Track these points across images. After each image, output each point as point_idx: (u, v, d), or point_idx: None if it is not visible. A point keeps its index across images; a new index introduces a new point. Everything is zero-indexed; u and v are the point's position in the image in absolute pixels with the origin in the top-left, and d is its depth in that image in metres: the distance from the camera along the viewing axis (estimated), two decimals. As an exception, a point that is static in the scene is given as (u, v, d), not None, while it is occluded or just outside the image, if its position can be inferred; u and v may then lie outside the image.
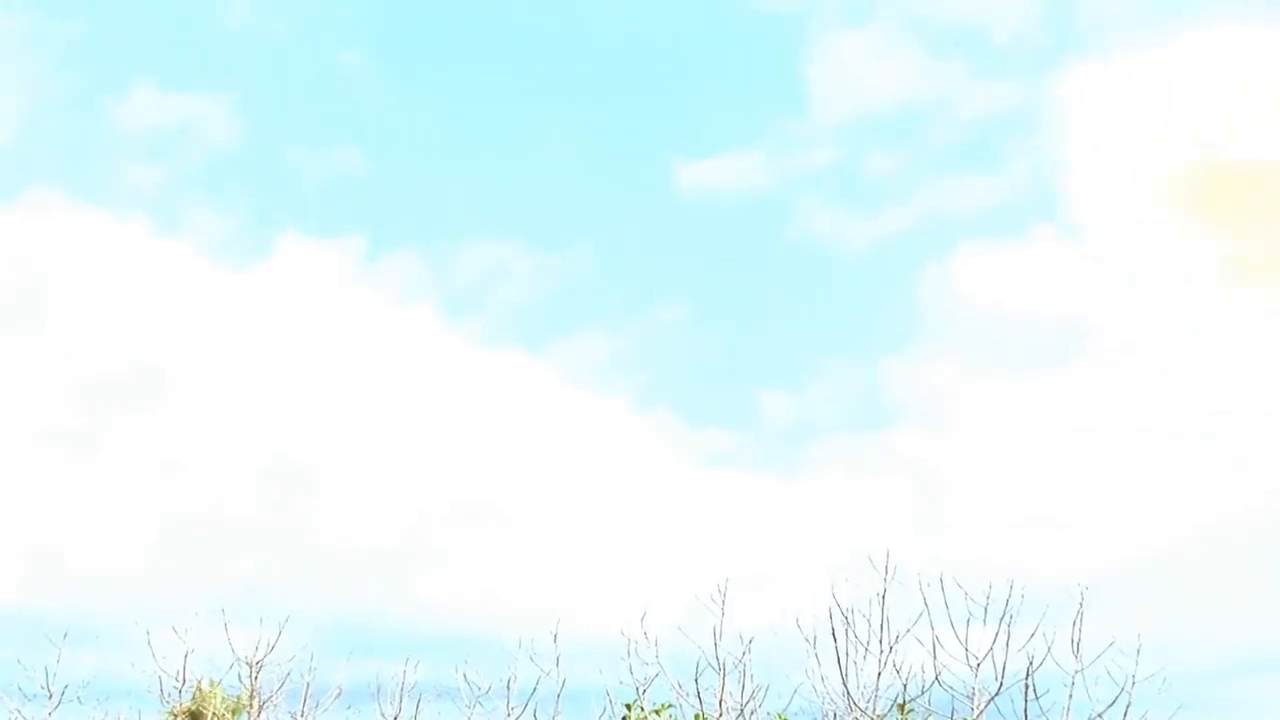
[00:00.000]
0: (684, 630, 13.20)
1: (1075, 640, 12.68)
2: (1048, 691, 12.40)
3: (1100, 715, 12.38)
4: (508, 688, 14.01)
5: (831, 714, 12.82)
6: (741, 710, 12.59)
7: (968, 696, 12.54)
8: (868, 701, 12.37)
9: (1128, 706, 12.58)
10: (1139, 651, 12.78)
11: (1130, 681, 12.66)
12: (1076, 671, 12.49)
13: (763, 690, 12.95)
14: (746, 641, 13.04)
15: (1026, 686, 12.21)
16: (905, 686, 12.17)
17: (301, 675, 15.12)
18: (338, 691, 15.11)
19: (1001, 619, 12.76)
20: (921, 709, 12.63)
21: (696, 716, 12.29)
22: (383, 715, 14.79)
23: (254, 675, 14.89)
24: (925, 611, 12.72)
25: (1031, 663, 12.36)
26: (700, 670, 12.79)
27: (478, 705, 14.22)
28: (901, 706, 12.21)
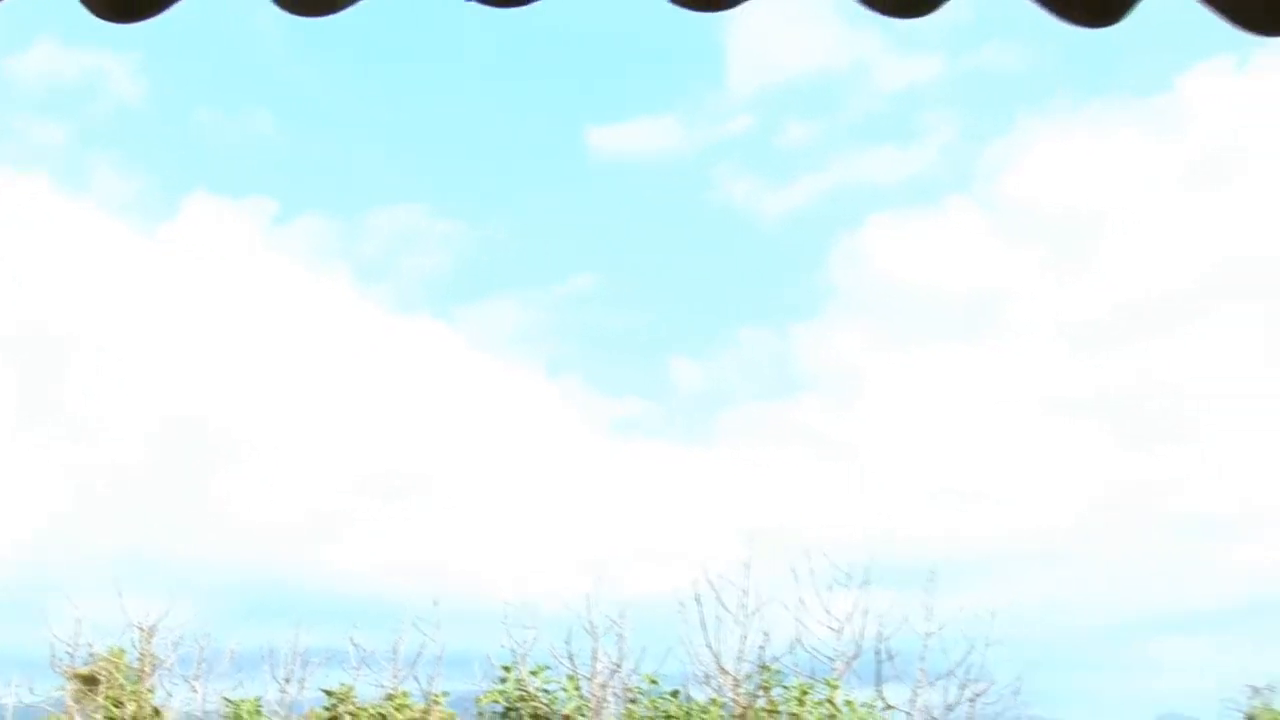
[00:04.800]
0: (565, 595, 13.72)
1: (928, 606, 13.45)
2: (898, 654, 13.14)
3: (950, 673, 13.14)
4: (394, 652, 14.43)
5: (702, 675, 13.43)
6: (614, 672, 13.17)
7: (830, 659, 13.26)
8: (734, 663, 13.01)
9: (974, 667, 13.38)
10: (992, 616, 13.59)
11: (982, 643, 13.44)
12: (928, 635, 13.24)
13: (635, 653, 13.50)
14: (623, 607, 13.64)
15: (877, 649, 12.94)
16: (763, 649, 12.78)
17: (196, 641, 15.46)
18: (230, 656, 15.45)
19: (861, 586, 13.55)
20: (787, 670, 13.25)
21: (569, 678, 12.86)
22: (274, 679, 15.16)
23: (146, 640, 15.19)
24: (796, 580, 13.45)
25: (884, 627, 13.12)
26: (577, 635, 13.39)
27: (364, 668, 14.58)
28: (765, 667, 12.84)
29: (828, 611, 13.34)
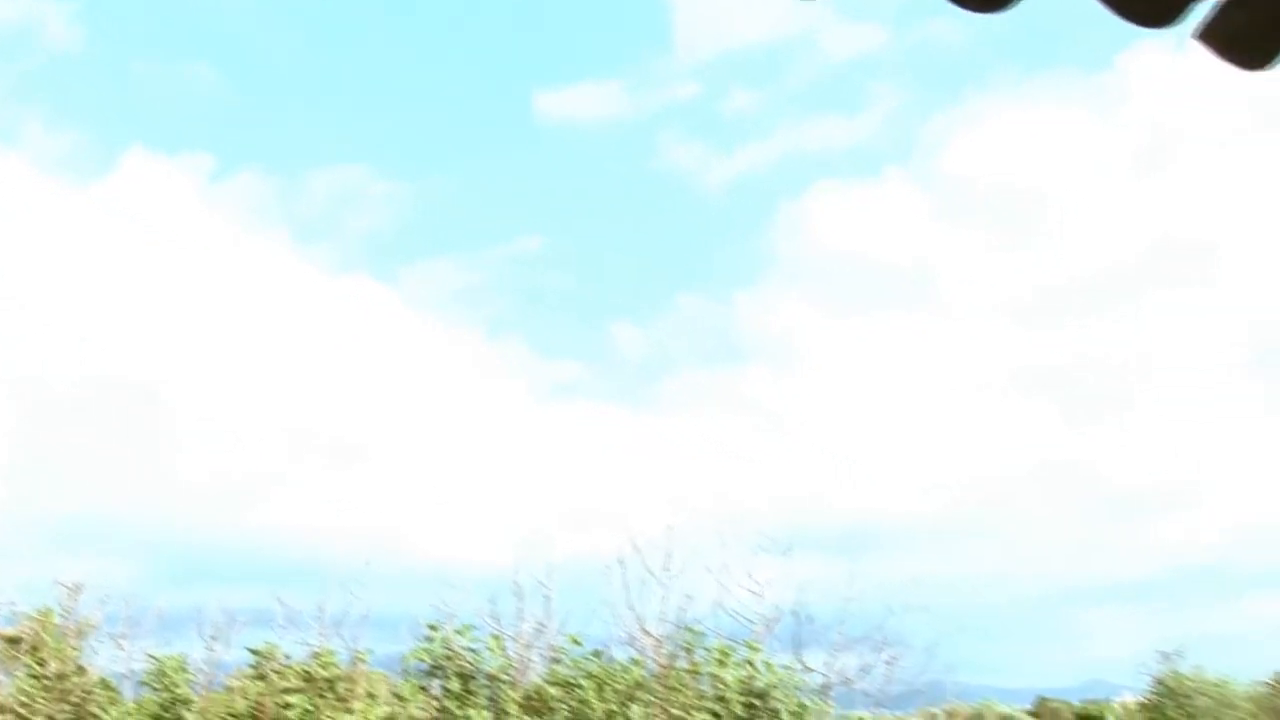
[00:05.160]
0: (497, 557, 13.87)
1: (853, 573, 13.77)
2: (823, 620, 13.46)
3: (866, 638, 13.48)
4: (321, 612, 14.49)
5: (626, 636, 13.65)
6: (540, 632, 13.36)
7: (751, 622, 13.54)
8: (657, 625, 13.24)
9: (891, 632, 13.75)
10: (916, 584, 13.97)
11: (902, 610, 13.79)
12: (850, 600, 13.56)
13: (562, 614, 13.70)
14: (552, 569, 13.81)
15: (798, 613, 13.24)
16: (685, 612, 13.02)
17: (124, 600, 15.43)
18: (158, 615, 15.44)
19: (786, 552, 13.84)
20: (710, 632, 13.50)
21: (493, 637, 13.03)
22: (201, 638, 15.17)
23: (72, 599, 15.16)
24: (723, 545, 13.71)
25: (807, 593, 13.42)
26: (505, 596, 13.56)
27: (291, 628, 14.63)
28: (688, 629, 13.08)
29: (751, 576, 13.62)
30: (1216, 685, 19.55)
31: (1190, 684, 19.74)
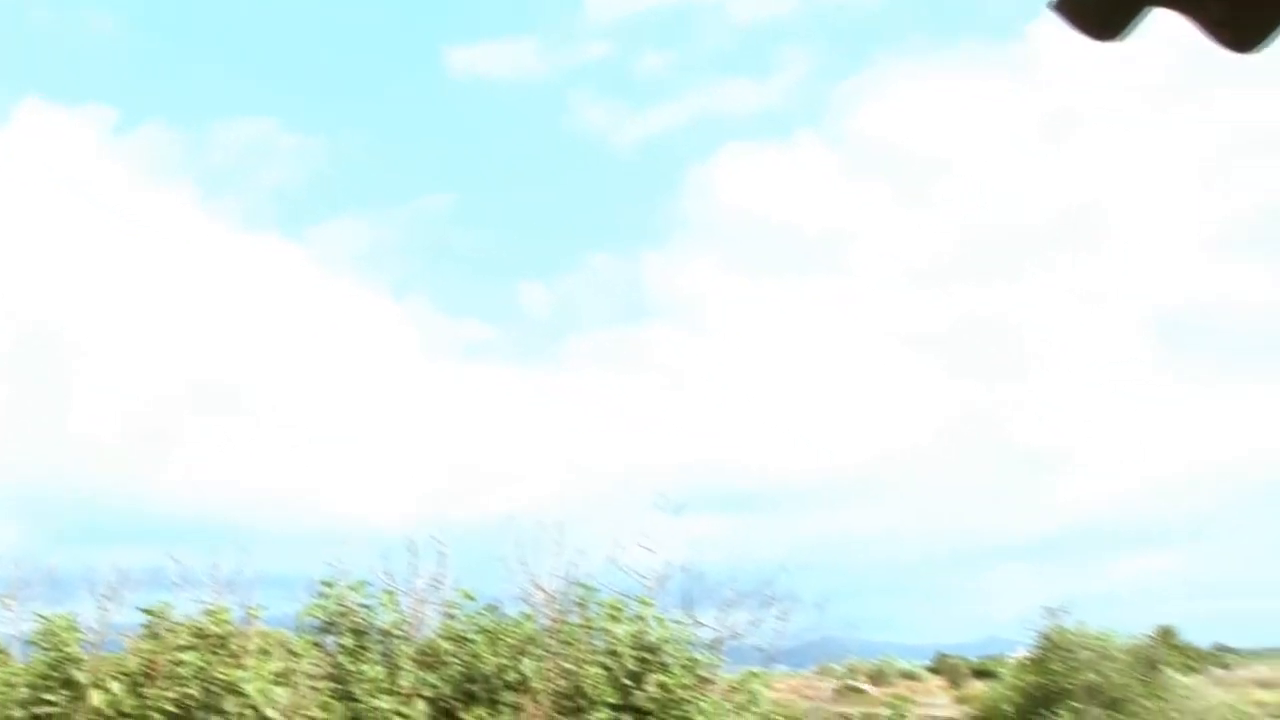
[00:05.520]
0: (398, 514, 13.91)
1: (753, 530, 14.02)
2: (711, 577, 13.72)
3: (758, 593, 13.77)
4: (216, 570, 14.43)
5: (520, 592, 13.80)
6: (435, 588, 13.46)
7: (645, 579, 13.76)
8: (551, 581, 13.41)
9: (784, 589, 14.05)
10: (812, 541, 14.26)
11: (798, 566, 14.13)
12: (746, 557, 13.83)
13: (459, 571, 13.80)
14: (451, 525, 13.95)
15: (690, 569, 13.48)
16: (580, 568, 13.20)
17: (12, 560, 15.22)
18: (48, 575, 15.25)
19: (688, 509, 14.14)
20: (604, 589, 13.69)
21: (387, 592, 13.11)
22: (92, 598, 15.02)
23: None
24: (625, 501, 13.93)
25: (706, 550, 13.69)
26: (402, 553, 13.64)
27: (185, 587, 14.55)
28: (581, 585, 13.26)
29: (649, 534, 13.85)
30: (1098, 639, 20.24)
31: (1073, 638, 20.41)
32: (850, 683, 26.71)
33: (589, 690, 12.11)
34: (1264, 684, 30.70)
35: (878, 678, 38.72)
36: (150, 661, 13.59)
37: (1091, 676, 19.53)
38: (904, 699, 27.57)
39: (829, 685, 26.56)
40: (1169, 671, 23.18)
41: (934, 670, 43.30)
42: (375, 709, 12.24)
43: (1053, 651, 20.62)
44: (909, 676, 39.87)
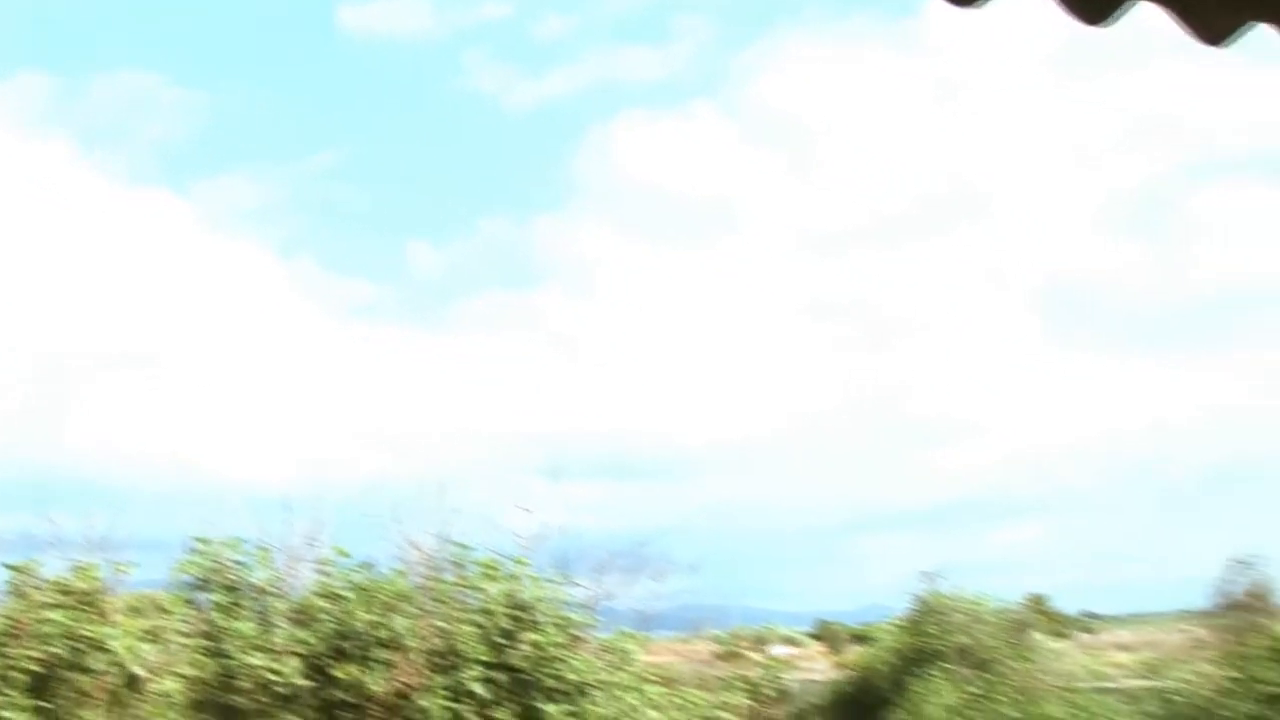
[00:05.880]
0: (282, 474, 13.78)
1: (636, 496, 14.15)
2: (594, 540, 13.86)
3: (632, 554, 13.94)
4: (89, 531, 14.21)
5: (396, 550, 13.77)
6: (310, 545, 13.39)
7: (523, 539, 13.82)
8: (427, 540, 13.41)
9: (660, 553, 14.26)
10: (699, 508, 14.44)
11: (679, 532, 14.29)
12: (627, 521, 13.94)
13: (335, 529, 13.72)
14: (331, 484, 13.86)
15: (571, 532, 13.59)
16: (457, 528, 13.22)
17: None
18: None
19: (565, 474, 14.27)
20: (481, 549, 13.71)
21: (260, 548, 13.01)
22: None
23: None
24: (509, 463, 13.96)
25: (591, 514, 13.77)
26: (280, 511, 13.54)
27: (58, 548, 14.31)
28: (457, 544, 13.28)
29: (532, 497, 13.93)
30: (970, 604, 20.83)
31: (947, 602, 20.98)
32: (733, 648, 27.09)
33: (461, 648, 12.15)
34: (1124, 647, 31.89)
35: (760, 643, 39.20)
36: (15, 621, 13.35)
37: (963, 639, 20.09)
38: (785, 663, 28.07)
39: (712, 650, 26.92)
40: (1037, 635, 23.94)
41: (816, 636, 44.18)
42: (247, 665, 12.17)
43: (927, 615, 21.17)
44: (791, 642, 40.56)
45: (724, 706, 13.34)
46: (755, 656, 25.93)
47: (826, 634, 43.81)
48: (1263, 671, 18.61)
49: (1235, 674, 19.36)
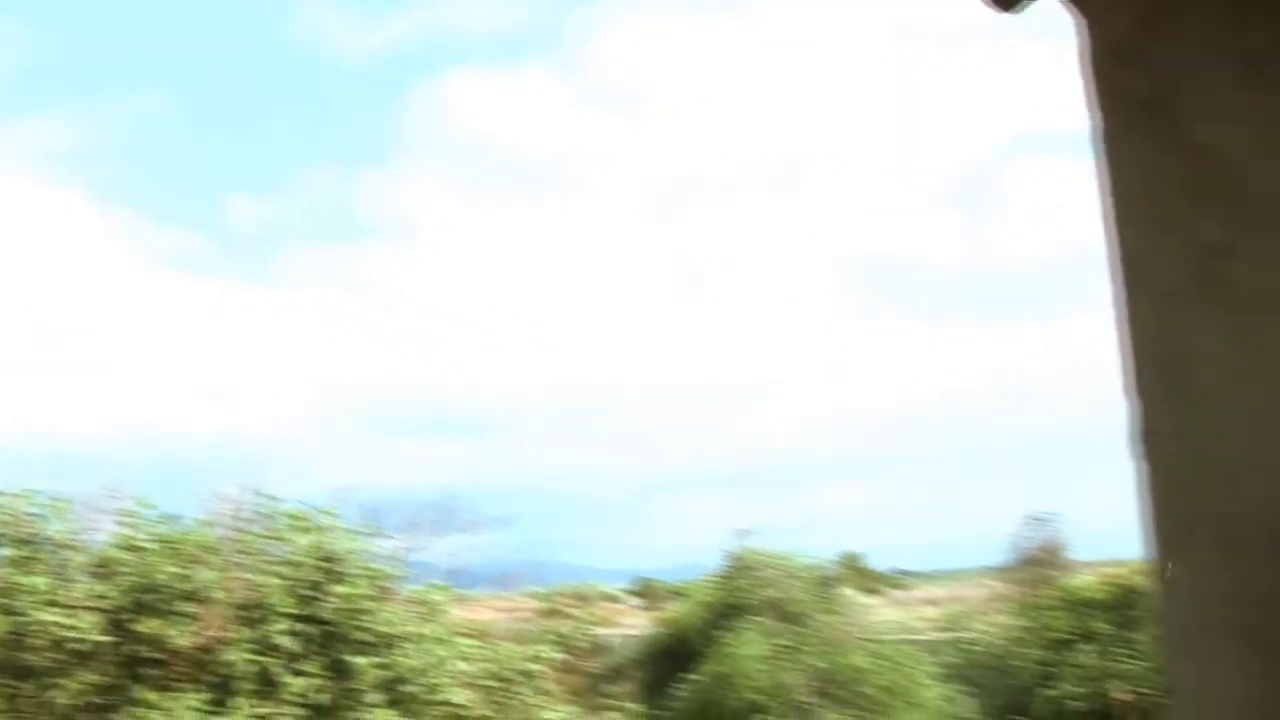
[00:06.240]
0: (90, 428, 13.37)
1: (455, 453, 14.16)
2: (399, 492, 13.85)
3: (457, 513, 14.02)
4: None
5: (204, 504, 13.59)
6: (112, 497, 13.10)
7: (336, 493, 13.77)
8: (237, 493, 13.25)
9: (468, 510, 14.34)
10: (520, 468, 14.51)
11: (501, 489, 14.38)
12: (444, 477, 13.97)
13: (140, 482, 13.45)
14: (137, 439, 13.51)
15: (379, 486, 13.55)
16: (268, 482, 13.10)
17: None
18: None
19: (380, 432, 14.17)
20: (291, 502, 13.61)
21: (56, 500, 12.69)
22: None
23: None
24: (327, 418, 13.82)
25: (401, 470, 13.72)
26: (90, 465, 13.21)
27: None
28: (267, 497, 13.16)
29: (350, 451, 13.85)
30: (781, 559, 21.43)
31: (758, 558, 21.55)
32: (554, 605, 27.27)
33: (268, 601, 12.05)
34: (932, 602, 33.24)
35: (581, 600, 39.60)
36: None
37: (773, 594, 20.66)
38: (604, 619, 28.46)
39: (533, 607, 27.10)
40: (847, 591, 24.78)
41: (636, 593, 44.82)
42: (40, 622, 11.85)
43: (739, 571, 21.71)
44: (610, 599, 41.11)
45: (535, 659, 13.50)
46: (576, 613, 26.14)
47: (646, 591, 44.48)
48: (1052, 620, 19.72)
49: (1028, 623, 20.47)
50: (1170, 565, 1.88)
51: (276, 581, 12.17)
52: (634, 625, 30.57)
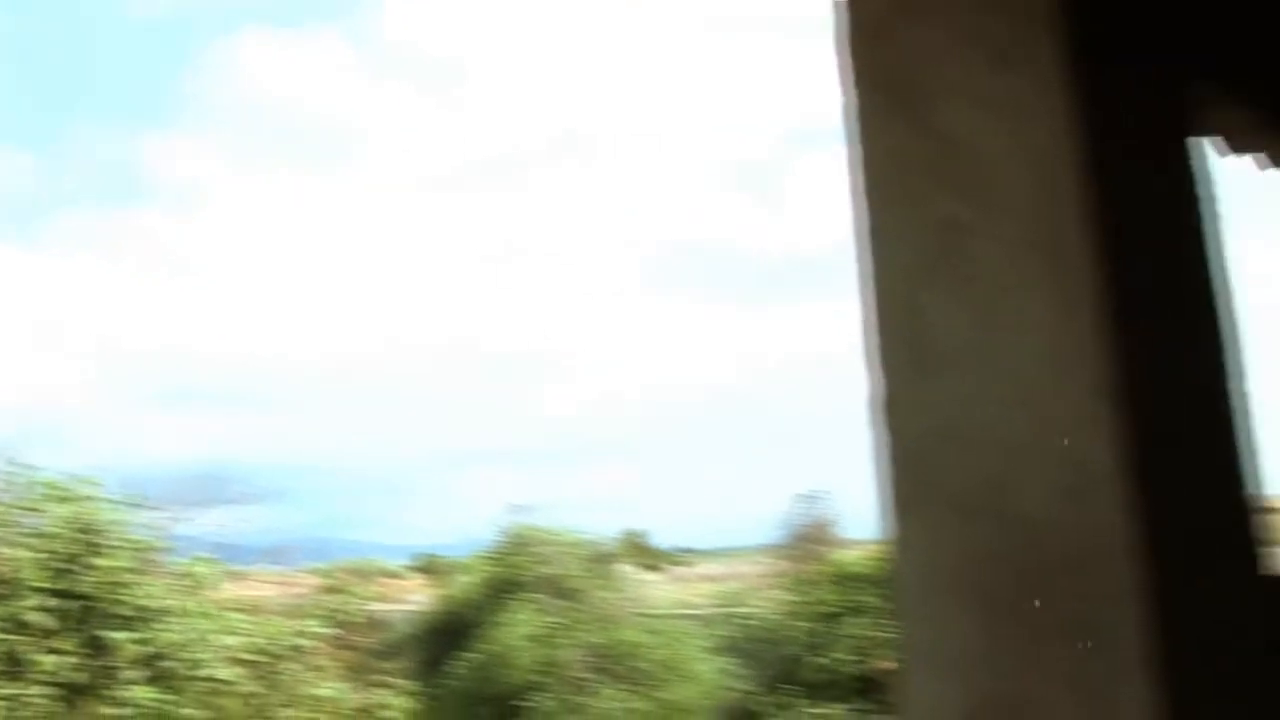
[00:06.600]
0: None
1: (232, 426, 13.70)
2: (171, 465, 13.38)
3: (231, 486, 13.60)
4: None
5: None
6: None
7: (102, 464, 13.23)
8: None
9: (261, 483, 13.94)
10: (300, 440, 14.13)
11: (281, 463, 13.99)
12: (220, 450, 13.52)
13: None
14: None
15: (149, 458, 13.06)
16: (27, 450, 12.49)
17: None
18: None
19: (156, 403, 13.63)
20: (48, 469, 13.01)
21: None
22: None
23: None
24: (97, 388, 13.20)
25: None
26: None
27: None
28: (21, 465, 12.55)
29: (122, 422, 13.29)
30: (557, 535, 21.57)
31: (535, 534, 21.63)
32: (334, 581, 26.79)
33: (18, 575, 11.47)
34: (711, 579, 33.78)
35: (362, 576, 39.07)
36: None
37: (549, 570, 20.76)
38: (385, 596, 28.11)
39: (311, 583, 26.57)
40: (626, 567, 25.10)
41: (418, 569, 44.38)
42: None
43: (515, 547, 21.75)
44: (393, 575, 40.59)
45: (304, 634, 13.24)
46: (355, 589, 25.78)
47: (429, 567, 44.10)
48: (822, 594, 20.45)
49: (800, 598, 21.17)
50: (904, 529, 1.95)
51: (28, 555, 11.59)
52: (416, 602, 30.30)
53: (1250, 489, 2.16)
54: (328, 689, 13.03)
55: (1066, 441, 1.84)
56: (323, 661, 13.53)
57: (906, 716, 1.97)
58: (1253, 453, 2.17)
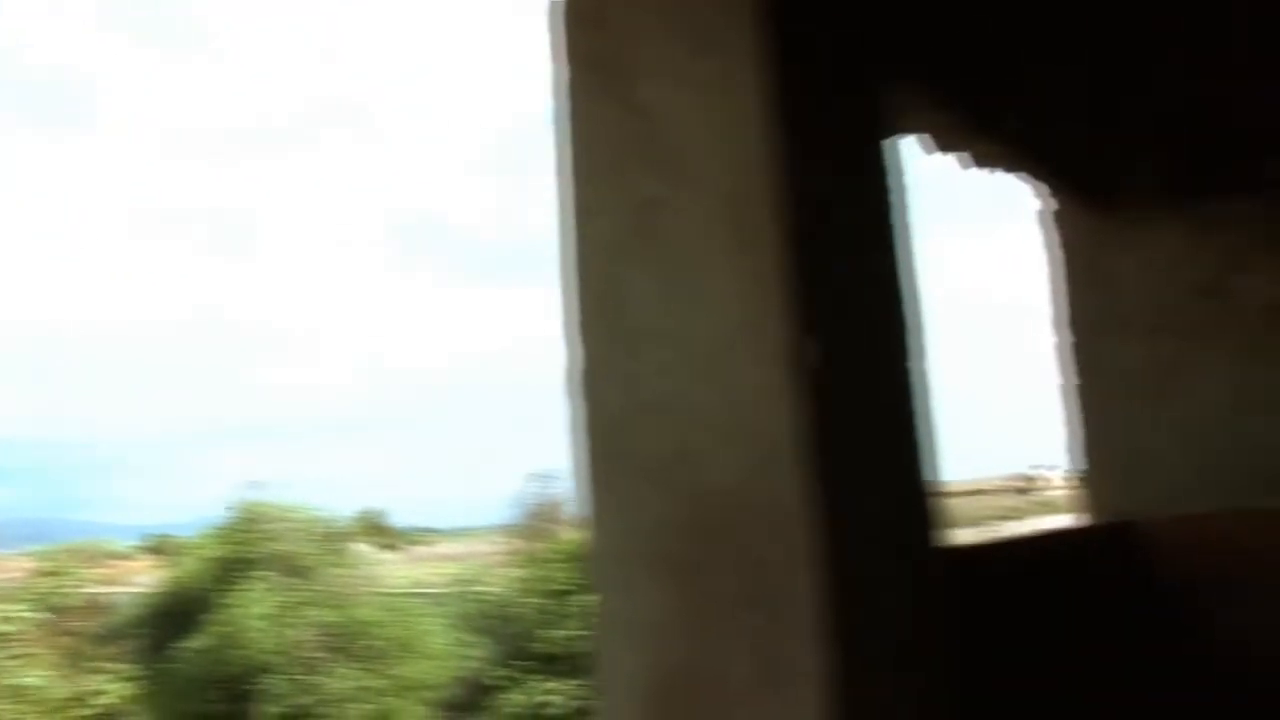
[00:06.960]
0: None
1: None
2: None
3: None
4: None
5: None
6: None
7: None
8: None
9: None
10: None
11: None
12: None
13: None
14: None
15: None
16: None
17: None
18: None
19: None
20: None
21: None
22: None
23: None
24: None
25: None
26: None
27: None
28: None
29: None
30: (289, 512, 21.14)
31: (267, 511, 21.13)
32: (56, 564, 25.46)
33: None
34: (449, 558, 33.72)
35: (86, 558, 37.26)
36: None
37: (282, 548, 20.30)
38: (112, 578, 26.89)
39: (30, 567, 25.20)
40: (362, 546, 24.77)
41: (149, 550, 42.57)
42: None
43: (246, 525, 21.18)
44: (121, 556, 38.85)
45: (11, 620, 12.54)
46: (78, 571, 24.59)
47: (159, 547, 42.38)
48: (553, 572, 20.74)
49: (532, 575, 21.39)
50: (599, 500, 1.99)
51: None
52: (143, 583, 29.10)
53: (928, 467, 2.30)
54: (34, 678, 12.37)
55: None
56: (33, 649, 12.84)
57: (599, 684, 2.01)
58: (931, 430, 2.31)
